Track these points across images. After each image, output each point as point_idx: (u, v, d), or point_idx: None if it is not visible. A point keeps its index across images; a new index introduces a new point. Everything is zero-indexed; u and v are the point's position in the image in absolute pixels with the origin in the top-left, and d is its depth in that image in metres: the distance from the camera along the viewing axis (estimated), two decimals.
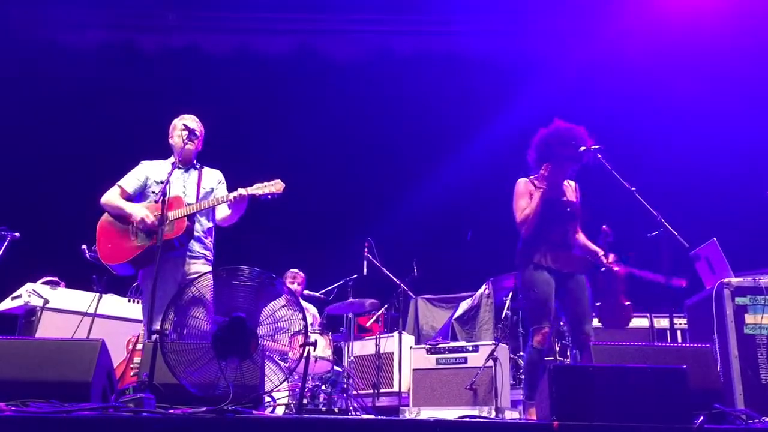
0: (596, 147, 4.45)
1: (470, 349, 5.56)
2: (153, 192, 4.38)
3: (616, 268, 4.48)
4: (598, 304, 5.80)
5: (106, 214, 4.34)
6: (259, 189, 4.25)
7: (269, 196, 4.25)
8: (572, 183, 4.66)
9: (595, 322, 4.95)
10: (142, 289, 4.50)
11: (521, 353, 6.58)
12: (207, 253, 4.42)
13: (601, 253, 4.49)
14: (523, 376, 6.35)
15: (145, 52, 8.07)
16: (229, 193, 4.36)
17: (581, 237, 4.58)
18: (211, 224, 4.49)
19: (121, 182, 4.42)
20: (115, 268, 4.26)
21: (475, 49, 8.14)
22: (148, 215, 4.17)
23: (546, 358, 4.72)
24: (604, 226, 4.52)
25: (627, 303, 4.76)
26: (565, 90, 7.77)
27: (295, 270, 6.87)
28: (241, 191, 4.25)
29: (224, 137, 6.52)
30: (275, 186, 4.26)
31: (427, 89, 8.36)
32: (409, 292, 7.19)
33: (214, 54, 8.15)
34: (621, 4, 7.67)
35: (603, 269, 4.51)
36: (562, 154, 4.47)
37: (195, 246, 4.34)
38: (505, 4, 7.95)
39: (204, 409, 2.78)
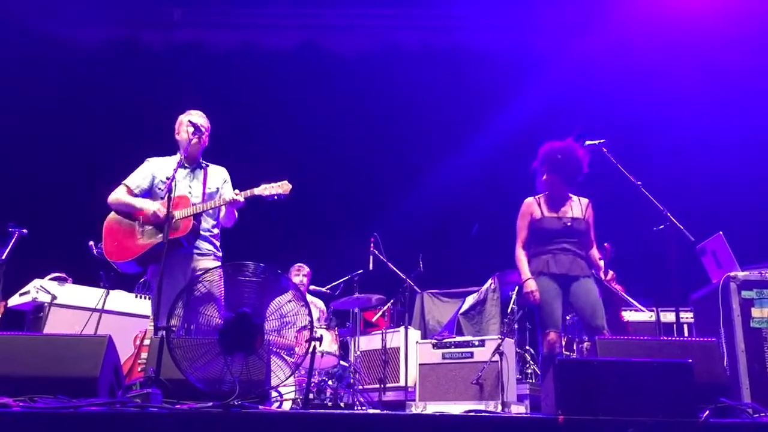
0: (601, 141, 4.47)
1: (476, 343, 5.54)
2: (159, 189, 4.39)
3: (613, 285, 4.54)
4: None
5: (112, 212, 4.36)
6: (266, 190, 4.25)
7: (275, 197, 4.24)
8: (583, 200, 4.69)
9: None
10: (151, 284, 4.52)
11: (527, 347, 6.59)
12: (215, 250, 4.44)
13: (601, 269, 4.58)
14: (529, 371, 6.38)
15: (151, 48, 8.10)
16: (234, 191, 4.36)
17: (593, 252, 4.63)
18: (216, 222, 4.50)
19: (127, 181, 4.43)
20: (121, 266, 4.30)
21: (481, 43, 8.12)
22: (160, 209, 4.19)
23: None
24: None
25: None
26: (571, 84, 7.74)
27: (300, 264, 6.87)
28: (246, 192, 4.26)
29: (230, 133, 6.52)
30: (282, 187, 4.25)
31: (432, 84, 8.34)
32: (415, 287, 7.19)
33: (219, 50, 8.18)
34: None
35: (602, 285, 4.57)
36: (559, 173, 4.56)
37: (203, 244, 4.36)
38: None
39: (210, 404, 2.79)
